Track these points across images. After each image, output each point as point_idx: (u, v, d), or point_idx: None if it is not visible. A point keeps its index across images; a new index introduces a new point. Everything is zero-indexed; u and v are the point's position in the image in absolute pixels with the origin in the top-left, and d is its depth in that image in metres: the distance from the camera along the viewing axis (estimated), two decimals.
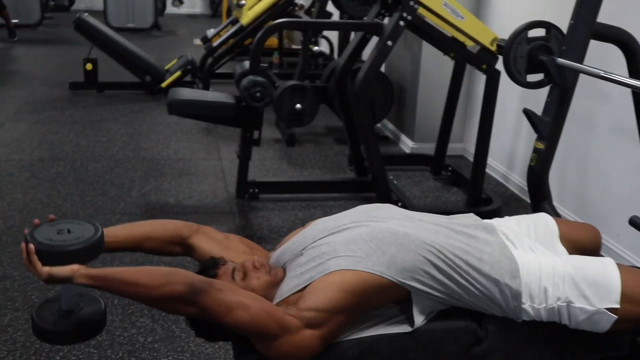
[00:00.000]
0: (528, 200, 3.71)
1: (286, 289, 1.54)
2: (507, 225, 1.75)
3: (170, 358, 2.24)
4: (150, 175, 3.99)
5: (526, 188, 3.73)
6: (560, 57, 2.05)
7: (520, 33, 2.20)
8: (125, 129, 4.92)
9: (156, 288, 1.39)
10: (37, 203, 3.47)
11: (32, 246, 1.42)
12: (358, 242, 1.53)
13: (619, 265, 1.57)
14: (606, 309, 1.51)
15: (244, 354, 1.55)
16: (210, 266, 1.62)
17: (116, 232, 1.66)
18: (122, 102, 5.74)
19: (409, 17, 3.16)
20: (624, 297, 1.51)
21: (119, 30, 6.54)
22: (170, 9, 11.39)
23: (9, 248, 2.94)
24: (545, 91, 2.43)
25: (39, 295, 2.56)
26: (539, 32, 2.36)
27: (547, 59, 2.13)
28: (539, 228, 1.77)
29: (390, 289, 1.50)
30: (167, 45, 8.83)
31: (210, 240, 1.75)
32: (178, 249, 1.74)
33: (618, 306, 1.51)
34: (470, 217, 1.74)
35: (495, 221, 1.78)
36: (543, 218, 1.82)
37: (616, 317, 1.51)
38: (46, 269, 1.41)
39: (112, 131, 4.85)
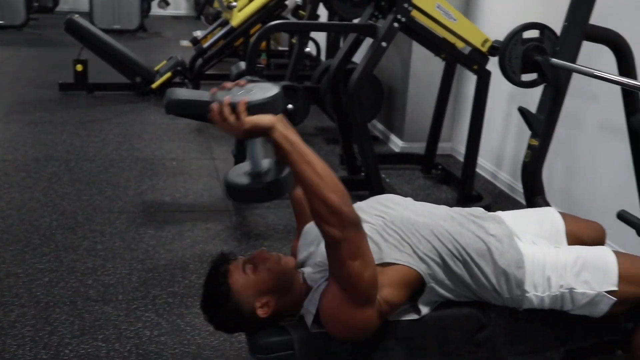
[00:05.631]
0: (516, 197, 3.82)
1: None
2: (511, 219, 1.80)
3: (177, 351, 2.29)
4: (145, 174, 4.02)
5: (514, 185, 3.86)
6: (554, 58, 2.14)
7: (516, 34, 2.28)
8: (118, 130, 4.95)
9: (329, 190, 1.37)
10: (34, 202, 3.49)
11: (242, 100, 1.39)
12: (383, 233, 1.58)
13: (615, 252, 1.66)
14: (606, 291, 1.59)
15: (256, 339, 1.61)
16: (221, 262, 1.62)
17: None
18: (112, 103, 5.76)
19: (403, 19, 3.24)
20: (621, 279, 1.60)
21: (104, 31, 6.55)
22: (155, 10, 11.38)
23: (11, 246, 2.97)
24: (532, 91, 2.51)
25: (43, 291, 2.60)
26: (532, 33, 2.45)
27: (541, 59, 2.22)
28: (545, 223, 1.83)
29: (416, 279, 1.56)
30: (153, 46, 8.83)
31: None
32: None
33: (616, 288, 1.60)
34: (479, 210, 1.80)
35: (501, 214, 1.84)
36: (550, 213, 1.88)
37: (615, 299, 1.60)
38: (251, 118, 1.38)
39: (104, 131, 4.88)
